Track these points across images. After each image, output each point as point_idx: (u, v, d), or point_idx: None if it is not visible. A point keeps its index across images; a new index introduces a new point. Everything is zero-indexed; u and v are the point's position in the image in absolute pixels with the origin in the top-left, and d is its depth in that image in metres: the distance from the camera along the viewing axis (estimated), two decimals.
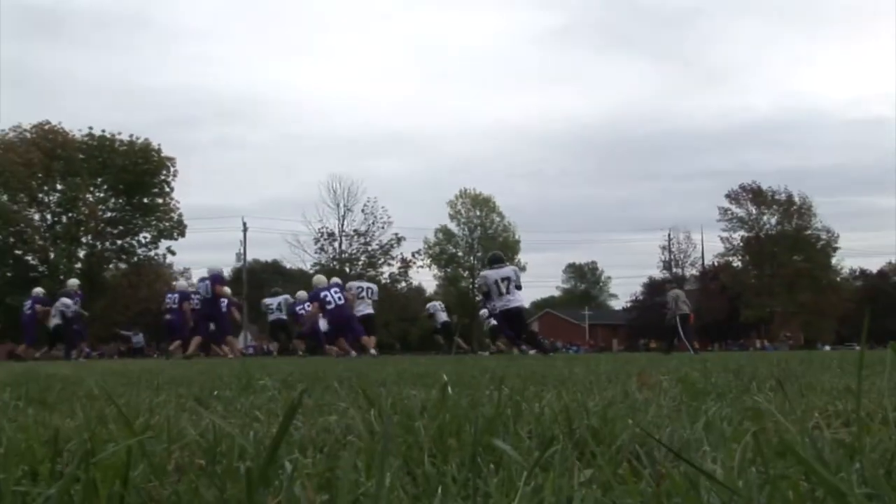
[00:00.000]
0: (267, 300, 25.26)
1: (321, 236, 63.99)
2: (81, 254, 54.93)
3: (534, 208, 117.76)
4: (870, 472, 1.05)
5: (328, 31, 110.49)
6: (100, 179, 55.06)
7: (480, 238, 70.03)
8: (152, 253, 57.54)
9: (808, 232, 69.07)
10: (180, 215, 57.08)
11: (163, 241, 57.20)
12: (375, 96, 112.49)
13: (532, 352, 17.69)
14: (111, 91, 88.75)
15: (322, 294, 19.40)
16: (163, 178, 56.31)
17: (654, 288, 75.18)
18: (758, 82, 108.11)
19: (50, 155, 52.79)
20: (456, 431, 1.49)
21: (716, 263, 73.27)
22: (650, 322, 67.38)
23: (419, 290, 76.68)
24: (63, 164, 53.10)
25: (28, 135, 53.37)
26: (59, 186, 54.03)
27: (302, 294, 22.92)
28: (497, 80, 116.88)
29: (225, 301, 20.93)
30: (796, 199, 69.22)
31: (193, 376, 5.22)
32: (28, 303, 24.08)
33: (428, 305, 32.35)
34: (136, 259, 56.79)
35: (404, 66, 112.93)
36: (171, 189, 56.76)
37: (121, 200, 55.87)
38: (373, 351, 18.55)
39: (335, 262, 63.58)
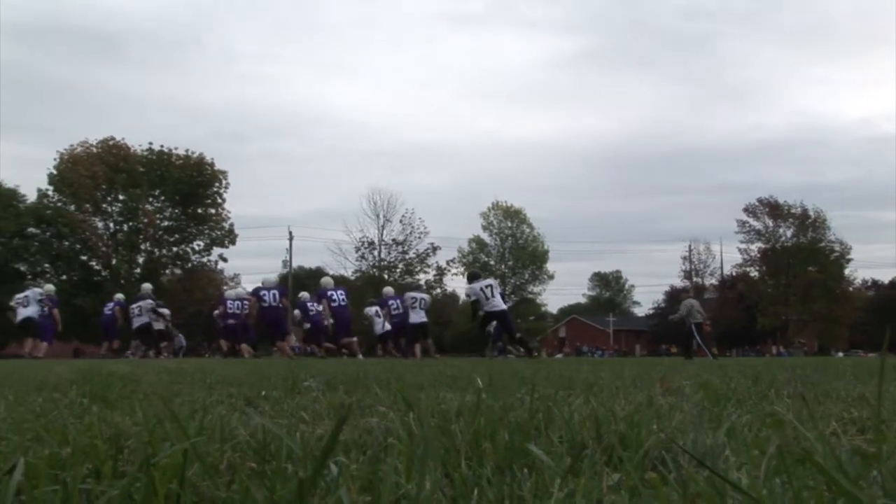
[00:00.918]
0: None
1: (362, 245, 64.19)
2: (140, 260, 55.46)
3: (561, 220, 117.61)
4: (889, 481, 1.02)
5: (370, 53, 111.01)
6: (158, 191, 55.61)
7: (511, 248, 69.87)
8: (205, 259, 58.08)
9: (823, 244, 68.22)
10: (231, 225, 57.58)
11: (215, 248, 57.75)
12: (413, 113, 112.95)
13: (514, 354, 18.44)
14: (169, 108, 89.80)
15: (329, 293, 19.53)
16: (215, 189, 56.77)
17: (674, 296, 74.66)
18: (774, 101, 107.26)
19: (113, 168, 53.43)
20: (490, 435, 1.48)
21: (734, 273, 72.62)
22: (671, 328, 66.81)
23: (453, 297, 76.64)
24: (125, 176, 53.70)
25: (94, 149, 54.05)
26: (121, 197, 54.63)
27: (305, 294, 22.99)
28: (526, 100, 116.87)
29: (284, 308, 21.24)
30: (811, 212, 68.46)
31: (243, 376, 5.24)
32: (110, 305, 24.50)
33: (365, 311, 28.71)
34: (190, 265, 57.27)
35: (440, 85, 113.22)
36: (223, 200, 57.31)
37: (177, 210, 56.39)
38: (360, 356, 18.63)
39: (375, 270, 63.70)
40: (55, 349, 35.30)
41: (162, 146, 55.87)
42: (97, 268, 54.51)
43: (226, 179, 57.04)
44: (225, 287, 52.57)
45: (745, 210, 69.81)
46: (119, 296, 25.82)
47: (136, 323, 23.29)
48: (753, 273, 71.44)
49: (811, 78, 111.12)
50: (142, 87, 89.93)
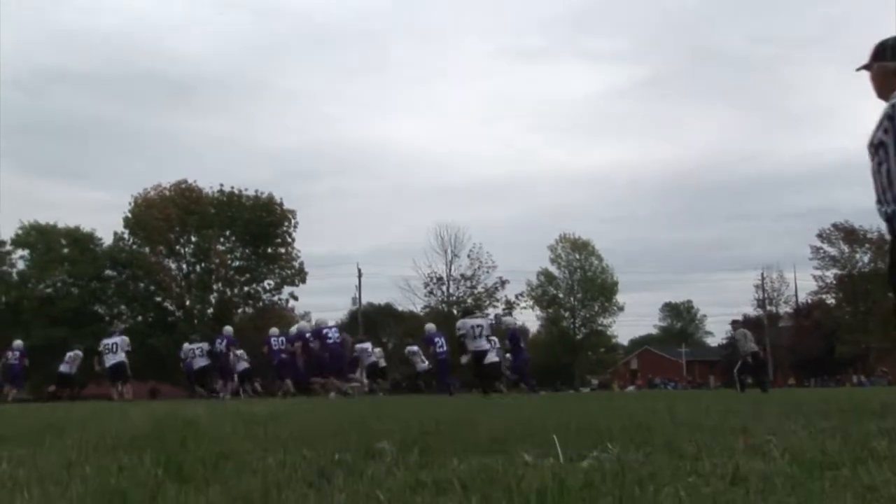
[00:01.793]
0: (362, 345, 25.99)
1: (430, 280, 64.39)
2: (213, 300, 56.37)
3: (629, 251, 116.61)
4: None
5: (433, 89, 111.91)
6: (229, 231, 56.52)
7: (580, 280, 69.34)
8: (276, 298, 58.71)
9: None
10: (301, 263, 58.18)
11: (285, 287, 58.36)
12: (476, 148, 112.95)
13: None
14: (237, 150, 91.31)
15: (324, 331, 19.63)
16: (284, 229, 57.50)
17: (748, 325, 73.11)
18: (843, 124, 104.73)
19: (186, 210, 54.59)
20: None
21: (809, 301, 70.86)
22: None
23: (523, 331, 76.09)
24: (197, 218, 54.81)
25: (167, 192, 55.33)
26: (193, 239, 55.75)
27: (274, 330, 23.26)
28: (590, 131, 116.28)
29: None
30: (887, 237, 66.50)
31: (314, 430, 5.22)
32: (221, 340, 24.96)
33: (406, 350, 28.52)
34: (261, 304, 57.98)
35: (502, 119, 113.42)
36: (293, 239, 57.98)
37: (247, 250, 57.18)
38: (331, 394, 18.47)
39: (444, 305, 63.76)
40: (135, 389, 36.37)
41: (232, 187, 56.99)
42: (171, 308, 55.63)
43: (294, 218, 57.80)
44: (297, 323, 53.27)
45: (819, 236, 68.19)
46: (228, 328, 26.79)
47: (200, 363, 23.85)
48: (830, 300, 69.63)
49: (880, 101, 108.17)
50: (210, 129, 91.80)
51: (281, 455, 3.26)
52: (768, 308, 70.67)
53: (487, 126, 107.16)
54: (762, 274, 72.58)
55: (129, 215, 54.53)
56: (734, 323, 33.48)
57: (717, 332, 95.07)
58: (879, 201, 4.88)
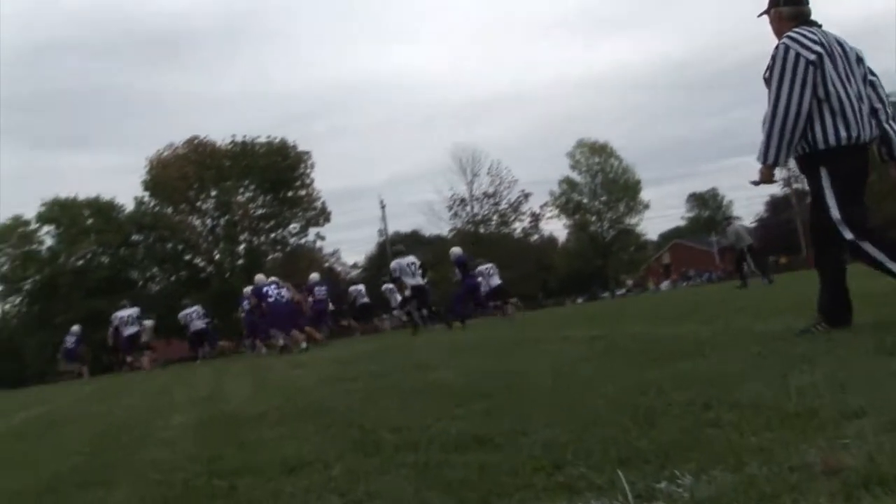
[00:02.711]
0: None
1: (453, 203, 64.33)
2: (241, 250, 56.68)
3: (646, 147, 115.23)
4: None
5: (426, 11, 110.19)
6: (247, 181, 56.37)
7: (602, 182, 68.88)
8: (303, 241, 58.94)
9: None
10: (323, 203, 58.09)
11: (311, 228, 58.52)
12: (477, 64, 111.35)
13: (438, 326, 19.38)
14: (242, 99, 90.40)
15: (264, 290, 19.17)
16: (302, 171, 57.36)
17: (776, 206, 72.66)
18: None
19: (202, 165, 54.40)
20: None
21: None
22: (778, 238, 65.24)
23: (552, 240, 76.27)
24: (214, 172, 54.73)
25: (180, 151, 55.18)
26: (212, 193, 55.77)
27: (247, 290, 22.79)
28: (586, 30, 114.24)
29: None
30: None
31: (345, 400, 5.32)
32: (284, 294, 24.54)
33: (350, 289, 29.05)
34: (289, 248, 58.28)
35: (500, 31, 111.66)
36: (311, 180, 57.75)
37: (268, 197, 57.03)
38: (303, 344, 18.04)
39: (470, 225, 63.79)
40: (169, 350, 37.09)
41: (244, 137, 56.68)
42: (202, 265, 56.08)
43: (310, 159, 57.60)
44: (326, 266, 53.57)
45: None
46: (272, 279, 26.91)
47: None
48: None
49: None
50: (210, 83, 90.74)
51: (320, 438, 3.35)
52: (794, 185, 69.93)
53: (484, 40, 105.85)
54: None
55: (147, 178, 54.54)
56: (727, 220, 33.74)
57: (746, 215, 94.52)
58: None
